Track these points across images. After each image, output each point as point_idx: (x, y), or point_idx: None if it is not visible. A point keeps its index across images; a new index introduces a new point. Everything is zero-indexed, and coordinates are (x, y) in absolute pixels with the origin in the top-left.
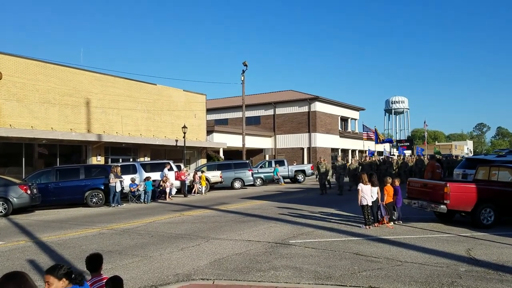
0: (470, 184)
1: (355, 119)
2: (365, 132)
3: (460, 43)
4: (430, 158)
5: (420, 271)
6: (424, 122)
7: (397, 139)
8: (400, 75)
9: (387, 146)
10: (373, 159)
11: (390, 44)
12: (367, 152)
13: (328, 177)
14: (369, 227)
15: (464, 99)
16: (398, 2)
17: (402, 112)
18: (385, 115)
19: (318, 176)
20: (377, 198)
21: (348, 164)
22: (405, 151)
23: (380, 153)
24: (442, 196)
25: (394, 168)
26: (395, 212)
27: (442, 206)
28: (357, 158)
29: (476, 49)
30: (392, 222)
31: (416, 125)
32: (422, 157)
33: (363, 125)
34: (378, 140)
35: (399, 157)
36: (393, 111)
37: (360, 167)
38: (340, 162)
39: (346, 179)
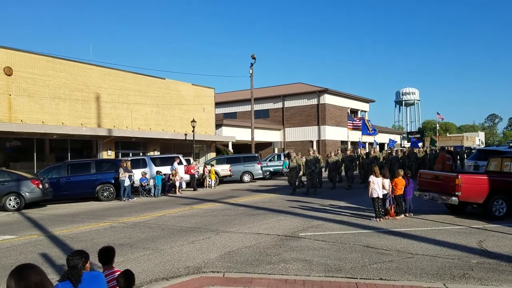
0: (482, 175)
1: (365, 111)
2: (350, 122)
3: (471, 34)
4: (441, 149)
5: (431, 263)
6: (438, 114)
7: (408, 131)
8: (411, 66)
9: (382, 138)
10: (361, 151)
11: (400, 36)
12: (348, 144)
13: (300, 173)
14: (380, 220)
15: (475, 90)
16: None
17: (413, 104)
18: (395, 106)
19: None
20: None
21: (327, 157)
22: (394, 144)
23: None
24: (454, 188)
25: (382, 162)
26: (404, 204)
27: (453, 198)
28: (340, 151)
29: (488, 41)
30: (402, 215)
31: (427, 116)
32: (415, 149)
33: (347, 113)
34: (367, 131)
35: (389, 150)
36: (403, 102)
37: (340, 161)
38: (311, 156)
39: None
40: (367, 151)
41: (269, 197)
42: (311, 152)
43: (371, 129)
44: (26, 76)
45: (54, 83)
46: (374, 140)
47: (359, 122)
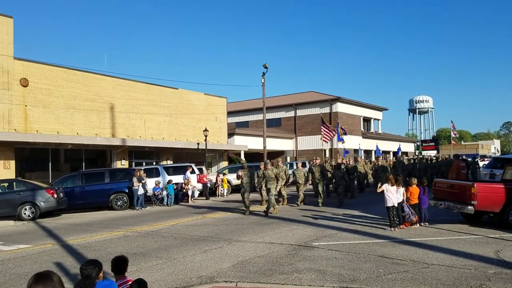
0: (498, 184)
1: (378, 120)
2: (323, 128)
3: (485, 41)
4: (455, 158)
5: (447, 274)
6: (451, 122)
7: (422, 139)
8: (425, 74)
9: (394, 146)
10: (337, 161)
11: (414, 43)
12: (361, 152)
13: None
14: (395, 229)
15: (490, 98)
16: (422, 2)
17: (427, 112)
18: (409, 115)
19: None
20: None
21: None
22: (380, 153)
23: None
24: (469, 196)
25: (363, 172)
26: (420, 214)
27: (469, 207)
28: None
29: (503, 47)
30: (417, 224)
31: (441, 124)
32: (402, 158)
33: (321, 118)
34: (339, 137)
35: (377, 159)
36: (417, 110)
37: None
38: (271, 169)
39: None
40: (338, 161)
41: (282, 206)
42: (268, 166)
43: (342, 133)
44: (41, 87)
45: (69, 94)
46: (360, 148)
47: (332, 131)
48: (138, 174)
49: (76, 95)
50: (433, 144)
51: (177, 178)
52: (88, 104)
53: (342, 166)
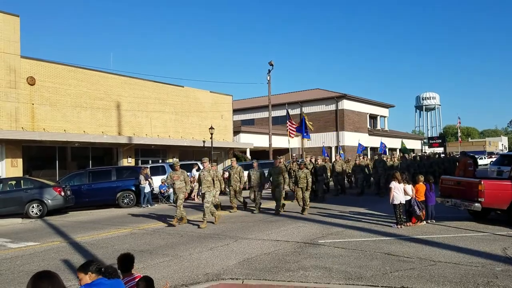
0: (506, 181)
1: (385, 117)
2: (288, 124)
3: (493, 40)
4: (462, 155)
5: (454, 271)
6: (458, 118)
7: (429, 136)
8: (431, 71)
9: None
10: (309, 161)
11: (420, 40)
12: (367, 150)
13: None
14: (401, 227)
15: (497, 94)
16: (430, 2)
17: (434, 109)
18: (415, 111)
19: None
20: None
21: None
22: (360, 151)
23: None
24: (477, 194)
25: (341, 171)
26: (426, 211)
27: (476, 204)
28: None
29: (508, 45)
30: (424, 221)
31: (448, 121)
32: (383, 156)
33: (287, 113)
34: (305, 133)
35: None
36: (424, 107)
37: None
38: (206, 171)
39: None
40: (300, 160)
41: (288, 203)
42: (205, 164)
43: (311, 127)
44: (48, 85)
45: (75, 92)
46: (339, 146)
47: (295, 126)
48: (144, 172)
49: (82, 93)
50: (440, 141)
51: None
52: (95, 102)
53: (310, 166)
